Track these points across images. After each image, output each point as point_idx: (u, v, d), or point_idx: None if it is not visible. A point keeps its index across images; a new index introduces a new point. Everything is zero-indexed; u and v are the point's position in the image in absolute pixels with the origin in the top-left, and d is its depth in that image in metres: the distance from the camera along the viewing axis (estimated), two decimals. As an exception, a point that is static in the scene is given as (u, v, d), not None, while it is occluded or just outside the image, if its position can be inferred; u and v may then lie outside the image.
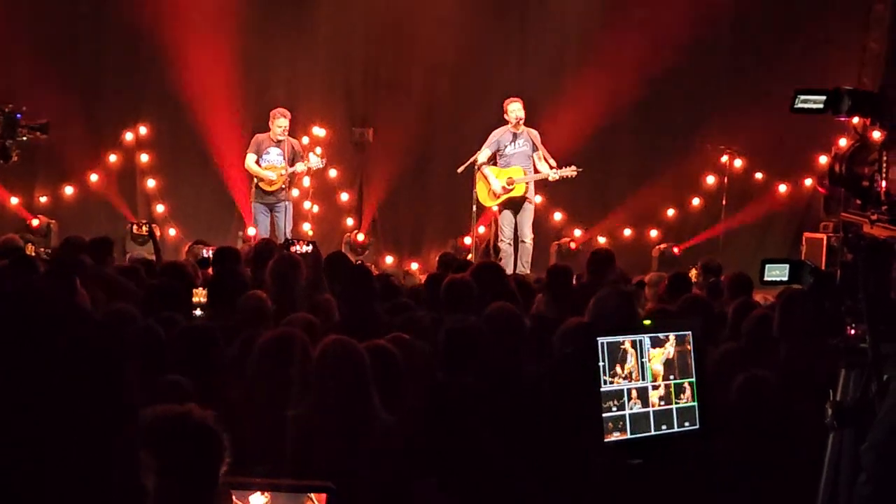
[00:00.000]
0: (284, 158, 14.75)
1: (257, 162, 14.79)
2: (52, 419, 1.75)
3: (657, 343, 4.32)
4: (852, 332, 4.10)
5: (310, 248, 10.45)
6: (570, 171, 14.37)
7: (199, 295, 7.79)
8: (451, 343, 5.90)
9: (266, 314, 7.35)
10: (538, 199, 15.16)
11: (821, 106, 4.25)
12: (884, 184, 4.18)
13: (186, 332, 6.48)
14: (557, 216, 16.79)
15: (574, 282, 9.99)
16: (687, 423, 4.34)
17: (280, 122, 14.77)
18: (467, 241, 15.69)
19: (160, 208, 16.66)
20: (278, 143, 14.78)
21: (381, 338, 6.22)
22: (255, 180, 14.87)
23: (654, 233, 17.13)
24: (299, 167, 14.83)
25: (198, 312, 7.75)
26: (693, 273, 11.62)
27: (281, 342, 5.70)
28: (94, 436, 1.78)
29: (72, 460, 1.76)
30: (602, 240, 16.53)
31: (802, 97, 4.29)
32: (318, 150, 16.06)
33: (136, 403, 1.92)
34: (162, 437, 3.46)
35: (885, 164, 4.19)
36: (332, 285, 9.07)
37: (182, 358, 6.04)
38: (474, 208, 14.69)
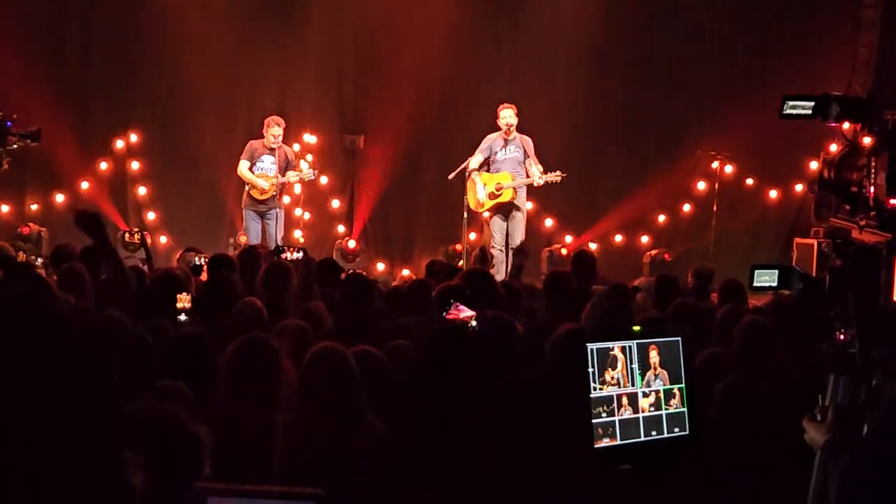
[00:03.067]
0: (277, 166, 14.75)
1: (251, 169, 14.79)
2: (42, 420, 1.75)
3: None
4: (841, 337, 4.10)
5: (300, 254, 10.44)
6: (554, 177, 14.39)
7: (184, 301, 7.77)
8: (441, 348, 5.89)
9: (261, 321, 7.35)
10: (529, 205, 15.17)
11: (809, 112, 4.26)
12: (872, 189, 4.18)
13: (177, 340, 6.48)
14: (549, 223, 16.80)
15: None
16: (677, 429, 4.34)
17: (274, 130, 14.78)
18: (459, 247, 15.69)
19: (151, 216, 16.66)
20: (272, 150, 14.78)
21: (377, 344, 6.25)
22: (247, 187, 14.87)
23: (645, 239, 17.15)
24: (291, 176, 14.83)
25: (182, 318, 7.72)
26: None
27: (249, 346, 5.68)
28: (83, 435, 1.79)
29: (62, 459, 1.77)
30: (593, 246, 16.54)
31: (791, 103, 4.29)
32: (310, 157, 16.09)
33: (122, 404, 1.92)
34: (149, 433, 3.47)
35: (873, 170, 4.19)
36: (323, 292, 9.07)
37: (173, 365, 6.04)
38: (465, 215, 14.71)
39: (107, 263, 8.22)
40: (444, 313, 6.78)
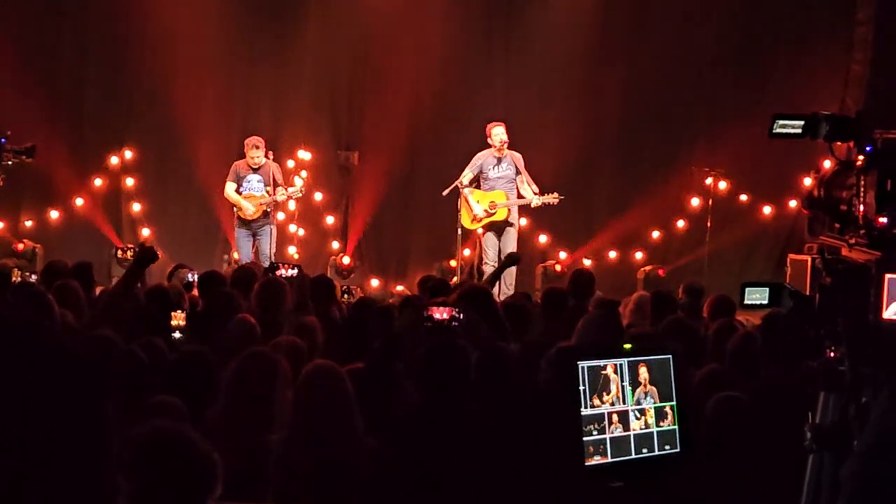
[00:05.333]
0: (266, 183, 14.78)
1: (238, 190, 14.82)
2: (29, 444, 1.76)
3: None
4: (831, 354, 4.12)
5: (295, 271, 10.44)
6: (551, 198, 14.41)
7: (178, 318, 7.79)
8: (432, 364, 5.90)
9: (255, 338, 7.35)
10: (523, 221, 15.21)
11: (799, 131, 4.28)
12: (862, 208, 4.20)
13: (173, 357, 6.49)
14: (542, 238, 16.80)
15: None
16: (668, 447, 4.35)
17: (252, 152, 14.82)
18: (453, 263, 15.70)
19: (146, 232, 16.65)
20: (258, 169, 14.80)
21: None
22: (235, 208, 14.92)
23: (639, 255, 17.16)
24: (279, 196, 14.86)
25: (177, 335, 7.74)
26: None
27: (254, 361, 5.69)
28: (70, 460, 1.79)
29: (49, 483, 1.77)
30: (587, 262, 16.54)
31: (781, 122, 4.31)
32: (304, 173, 16.14)
33: (113, 428, 1.93)
34: (153, 454, 3.48)
35: (862, 188, 4.21)
36: (318, 308, 9.08)
37: (166, 382, 6.05)
38: (459, 231, 14.73)
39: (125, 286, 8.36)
40: (426, 313, 6.77)
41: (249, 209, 14.75)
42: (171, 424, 3.84)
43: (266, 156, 14.87)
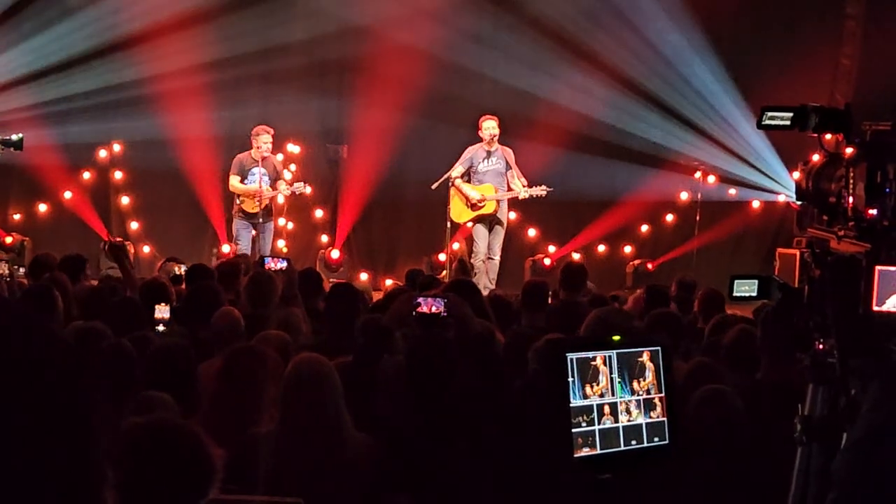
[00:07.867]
0: (269, 177, 14.74)
1: (242, 182, 14.77)
2: (15, 440, 1.75)
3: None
4: (820, 347, 4.12)
5: (284, 264, 10.43)
6: (539, 191, 14.42)
7: (162, 311, 7.79)
8: (421, 360, 5.89)
9: (239, 331, 7.34)
10: (512, 215, 15.20)
11: (788, 123, 4.27)
12: (851, 200, 4.19)
13: (159, 350, 6.48)
14: (532, 233, 16.82)
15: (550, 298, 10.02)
16: (657, 439, 4.33)
17: (264, 138, 14.75)
18: (442, 257, 15.70)
19: (134, 225, 16.64)
20: (258, 162, 14.74)
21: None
22: (238, 200, 14.85)
23: (628, 249, 17.19)
24: (284, 191, 14.84)
25: (160, 328, 7.74)
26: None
27: (244, 356, 5.68)
28: (60, 457, 1.78)
29: (34, 481, 1.76)
30: (576, 256, 16.56)
31: (769, 114, 4.30)
32: (293, 167, 16.12)
33: (101, 422, 1.91)
34: (153, 447, 3.46)
35: (851, 181, 4.20)
36: (306, 302, 9.08)
37: (154, 375, 6.04)
38: (448, 225, 14.72)
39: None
40: (414, 311, 6.76)
41: (265, 188, 14.66)
42: (173, 419, 3.83)
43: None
